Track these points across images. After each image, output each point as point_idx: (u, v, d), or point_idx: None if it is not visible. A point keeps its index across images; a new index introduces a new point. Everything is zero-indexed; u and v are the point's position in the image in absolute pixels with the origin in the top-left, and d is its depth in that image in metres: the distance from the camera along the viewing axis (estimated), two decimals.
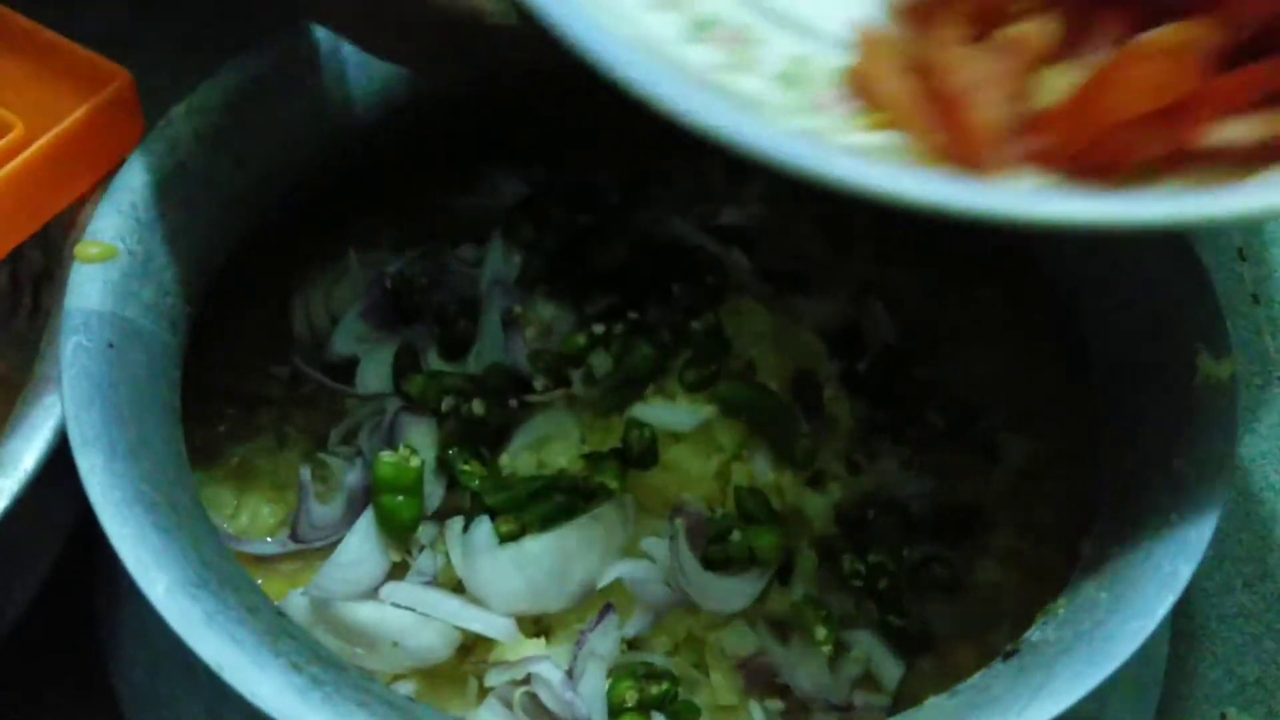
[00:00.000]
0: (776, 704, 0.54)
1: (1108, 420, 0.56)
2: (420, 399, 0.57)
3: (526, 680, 0.53)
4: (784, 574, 0.56)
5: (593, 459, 0.56)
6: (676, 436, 0.56)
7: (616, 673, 0.53)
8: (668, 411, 0.57)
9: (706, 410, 0.57)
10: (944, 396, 0.61)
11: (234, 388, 0.61)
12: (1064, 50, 0.44)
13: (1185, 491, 0.50)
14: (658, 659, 0.54)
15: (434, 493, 0.56)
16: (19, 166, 0.52)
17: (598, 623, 0.54)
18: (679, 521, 0.55)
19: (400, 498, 0.55)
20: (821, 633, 0.54)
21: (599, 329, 0.58)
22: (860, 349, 0.62)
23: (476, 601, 0.54)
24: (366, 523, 0.55)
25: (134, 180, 0.55)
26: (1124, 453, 0.54)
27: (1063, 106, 0.43)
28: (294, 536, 0.57)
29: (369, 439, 0.58)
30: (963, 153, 0.43)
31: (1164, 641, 0.56)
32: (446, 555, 0.55)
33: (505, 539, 0.54)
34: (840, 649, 0.55)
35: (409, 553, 0.55)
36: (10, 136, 0.52)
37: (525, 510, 0.54)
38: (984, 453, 0.60)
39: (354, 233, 0.63)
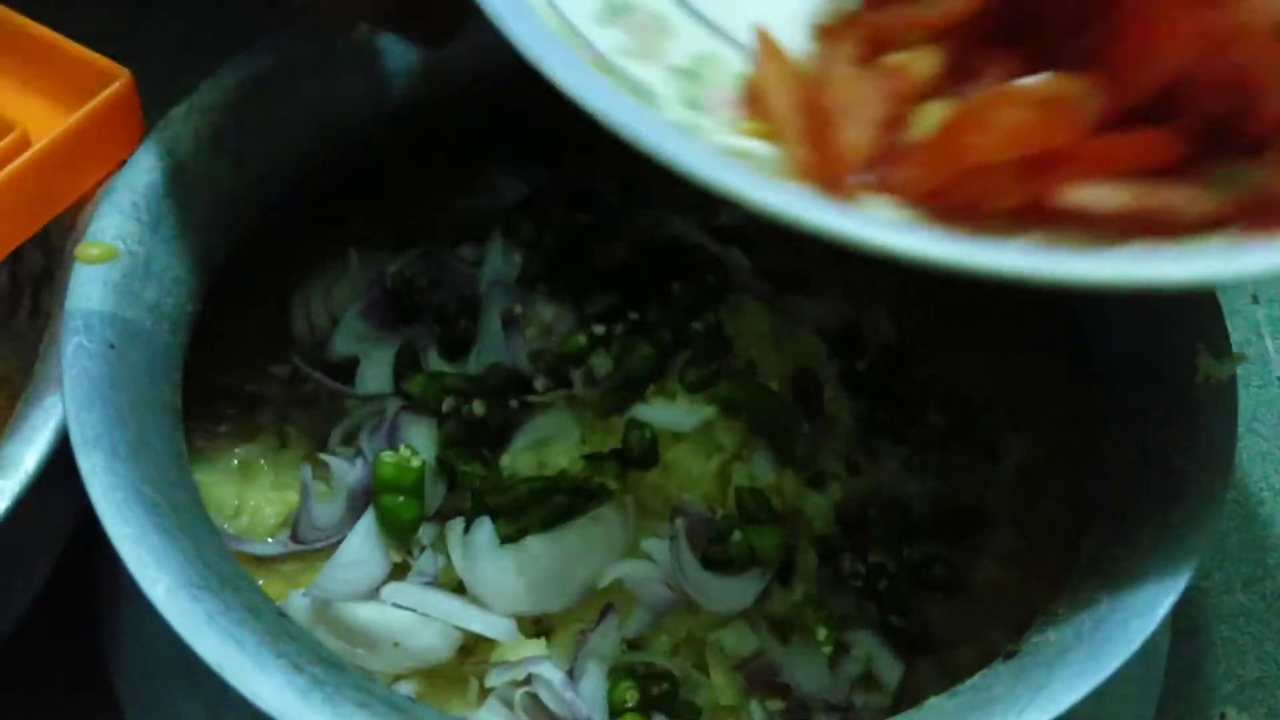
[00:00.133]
0: (777, 704, 0.54)
1: (1108, 420, 0.56)
2: (421, 399, 0.57)
3: (527, 681, 0.53)
4: (784, 574, 0.56)
5: (593, 459, 0.56)
6: (677, 437, 0.56)
7: (617, 673, 0.53)
8: (668, 412, 0.57)
9: (707, 410, 0.57)
10: (944, 396, 0.61)
11: (234, 388, 0.61)
12: (950, 86, 0.43)
13: (1185, 491, 0.50)
14: (658, 659, 0.54)
15: (435, 493, 0.56)
16: (20, 167, 0.52)
17: (598, 623, 0.54)
18: (679, 522, 0.55)
19: (401, 498, 0.55)
20: (822, 633, 0.54)
21: (599, 329, 0.58)
22: (860, 349, 0.62)
23: (477, 602, 0.54)
24: (367, 523, 0.55)
25: (135, 181, 0.55)
26: (1124, 453, 0.54)
27: (928, 141, 0.42)
28: (295, 537, 0.57)
29: (370, 439, 0.57)
30: (823, 171, 0.42)
31: (1164, 641, 0.56)
32: (447, 556, 0.55)
33: (506, 540, 0.54)
34: (841, 649, 0.55)
35: (410, 553, 0.55)
36: (11, 137, 0.52)
37: (526, 511, 0.54)
38: (984, 453, 0.60)
39: (354, 232, 0.63)
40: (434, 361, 0.59)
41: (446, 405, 0.57)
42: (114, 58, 0.55)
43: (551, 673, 0.52)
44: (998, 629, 0.56)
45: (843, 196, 0.42)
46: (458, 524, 0.55)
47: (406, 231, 0.64)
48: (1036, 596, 0.54)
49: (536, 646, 0.54)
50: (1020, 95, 0.41)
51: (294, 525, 0.57)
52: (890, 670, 0.55)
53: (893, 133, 0.43)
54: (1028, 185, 0.41)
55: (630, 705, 0.52)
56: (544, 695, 0.52)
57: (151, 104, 0.56)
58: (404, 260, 0.62)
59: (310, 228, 0.62)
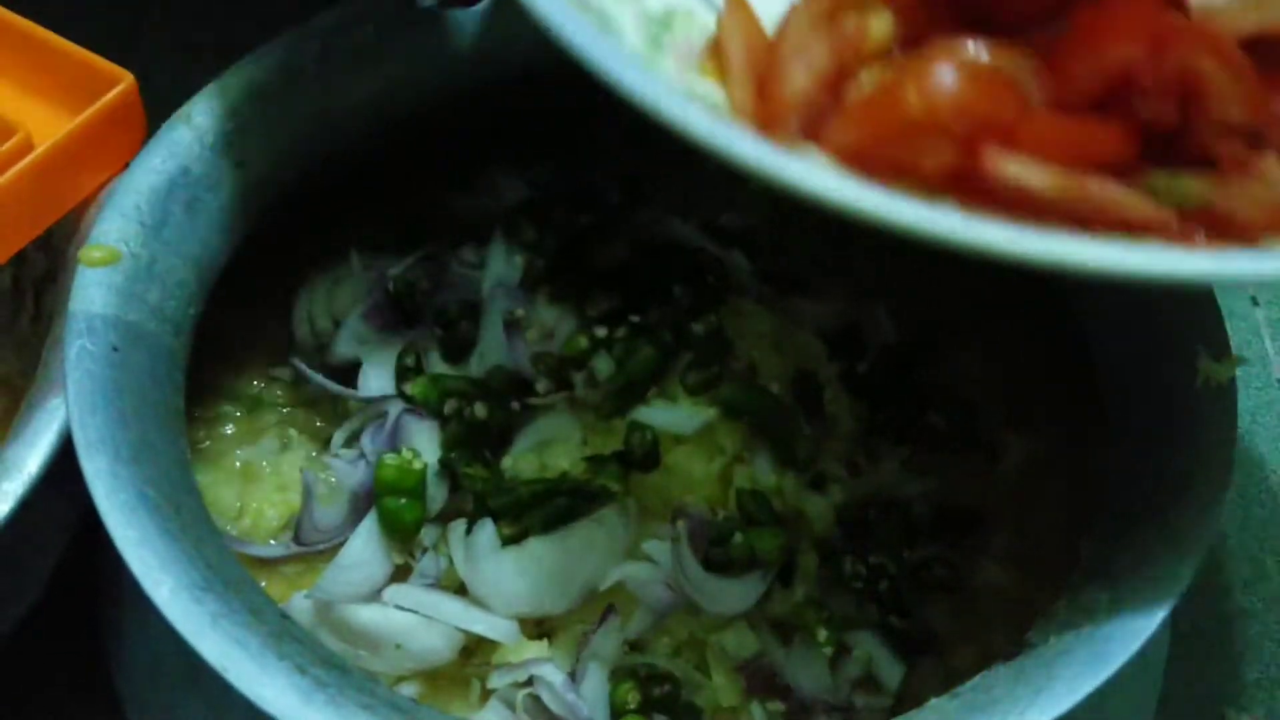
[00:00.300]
0: (778, 705, 0.54)
1: (1108, 420, 0.56)
2: (423, 402, 0.57)
3: (529, 682, 0.53)
4: (785, 576, 0.56)
5: (595, 461, 0.56)
6: (678, 439, 0.56)
7: (618, 674, 0.53)
8: (669, 414, 0.57)
9: (708, 412, 0.57)
10: (944, 396, 0.61)
11: (237, 390, 0.61)
12: (904, 50, 0.44)
13: (1185, 491, 0.50)
14: (660, 661, 0.54)
15: (437, 495, 0.56)
16: (23, 170, 0.52)
17: (600, 624, 0.54)
18: (681, 524, 0.55)
19: (403, 500, 0.55)
20: (823, 634, 0.54)
21: (601, 332, 0.58)
22: (860, 350, 0.62)
23: (479, 604, 0.54)
24: (369, 525, 0.55)
25: (138, 183, 0.55)
26: (1124, 453, 0.54)
27: (864, 97, 0.43)
28: (297, 539, 0.57)
29: (372, 442, 0.58)
30: (760, 111, 0.43)
31: (1164, 642, 0.56)
32: (449, 558, 0.55)
33: (508, 541, 0.54)
34: (841, 650, 0.55)
35: (412, 555, 0.55)
36: (14, 140, 0.52)
37: (528, 513, 0.54)
38: (984, 453, 0.61)
39: (355, 234, 0.63)
40: (436, 364, 0.60)
41: (448, 407, 0.57)
42: (117, 61, 0.55)
43: (553, 674, 0.53)
44: (998, 630, 0.56)
45: (778, 139, 0.42)
46: (459, 526, 0.55)
47: (408, 232, 0.64)
48: (1036, 597, 0.54)
49: (538, 648, 0.54)
50: (960, 60, 0.42)
51: (296, 527, 0.57)
52: (891, 671, 0.55)
53: (839, 90, 0.43)
54: (961, 152, 0.41)
55: (632, 706, 0.52)
56: (546, 697, 0.52)
57: (154, 107, 0.56)
58: (405, 264, 0.62)
59: (311, 230, 0.62)
